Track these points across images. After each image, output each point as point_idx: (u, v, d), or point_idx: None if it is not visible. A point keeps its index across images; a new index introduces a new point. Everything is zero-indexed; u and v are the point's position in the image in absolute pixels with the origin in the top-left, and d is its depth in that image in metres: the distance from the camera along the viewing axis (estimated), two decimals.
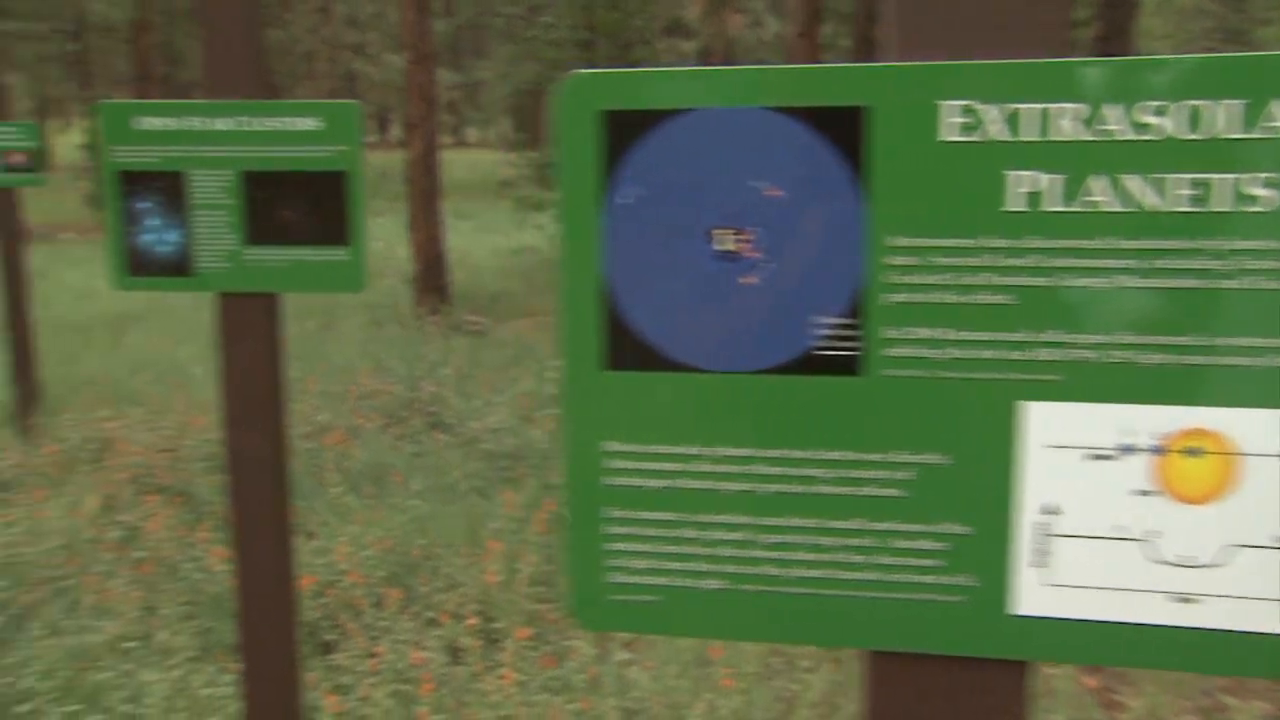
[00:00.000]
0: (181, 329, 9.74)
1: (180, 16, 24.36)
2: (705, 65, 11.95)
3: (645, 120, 0.79)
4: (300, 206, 2.27)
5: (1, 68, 19.24)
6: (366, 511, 4.67)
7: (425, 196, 10.61)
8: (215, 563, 4.24)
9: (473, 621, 3.69)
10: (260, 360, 2.36)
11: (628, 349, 0.82)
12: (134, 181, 2.30)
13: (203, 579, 4.16)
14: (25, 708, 3.32)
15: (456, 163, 26.70)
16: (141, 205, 2.30)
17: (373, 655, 3.63)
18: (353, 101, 2.26)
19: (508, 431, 5.77)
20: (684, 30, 16.80)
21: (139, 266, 2.33)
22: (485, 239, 16.70)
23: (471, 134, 51.59)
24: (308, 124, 2.24)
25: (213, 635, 3.82)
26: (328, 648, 3.77)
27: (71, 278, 13.37)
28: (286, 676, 2.57)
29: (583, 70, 0.81)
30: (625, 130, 0.80)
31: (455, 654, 3.67)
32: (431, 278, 10.65)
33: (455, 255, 12.28)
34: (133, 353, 8.56)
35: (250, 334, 2.35)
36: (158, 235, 2.31)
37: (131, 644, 3.67)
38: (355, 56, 27.89)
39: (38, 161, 6.47)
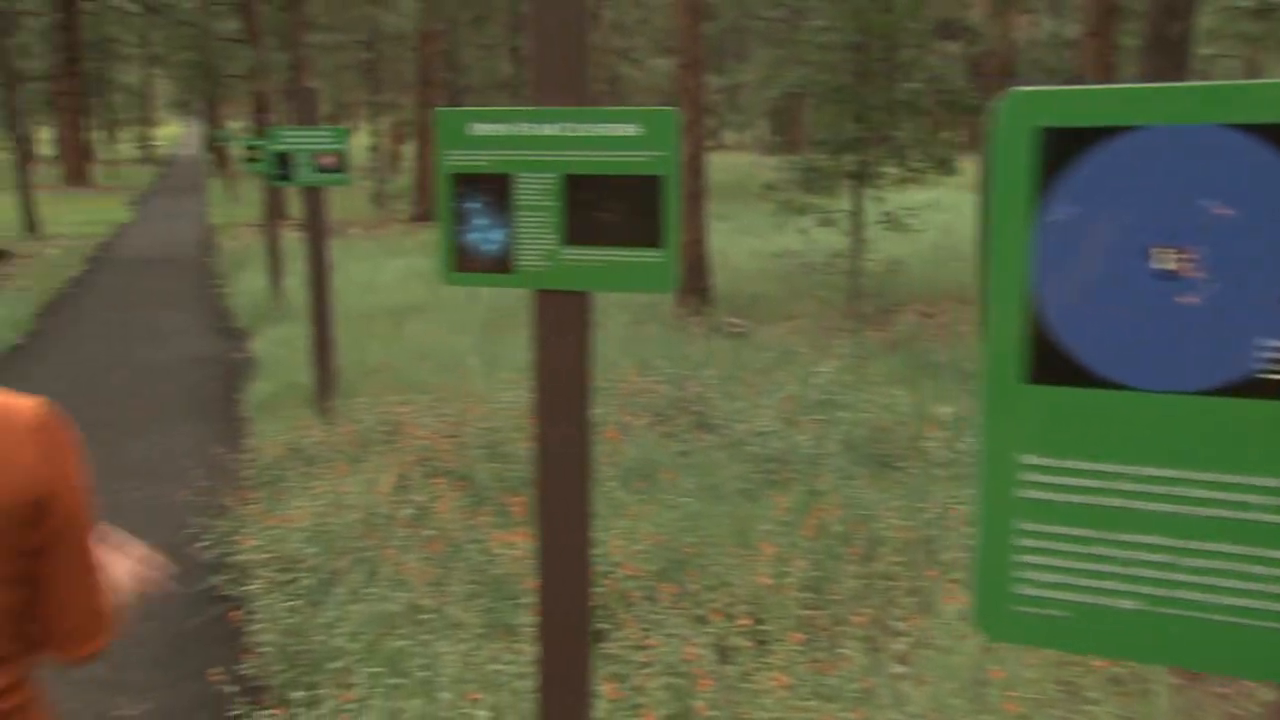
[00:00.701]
0: (455, 321, 10.30)
1: (461, 26, 25.73)
2: (983, 68, 11.56)
3: (1086, 137, 0.78)
4: (616, 209, 2.36)
5: (309, 76, 20.93)
6: (637, 506, 4.80)
7: (691, 199, 10.80)
8: (495, 546, 4.45)
9: (745, 622, 3.72)
10: (572, 355, 2.46)
11: (1052, 363, 0.81)
12: (465, 183, 2.45)
13: (484, 561, 4.37)
14: (336, 664, 3.60)
15: (714, 165, 27.00)
16: (470, 205, 2.45)
17: (643, 647, 3.72)
18: (671, 109, 2.32)
19: (773, 435, 5.79)
20: (954, 31, 16.35)
21: (465, 263, 2.48)
22: (743, 241, 16.81)
23: (728, 137, 52.05)
24: (628, 130, 2.32)
25: (495, 615, 4.01)
26: (599, 636, 3.90)
27: (357, 271, 14.34)
28: (578, 659, 2.67)
29: (1023, 88, 0.81)
30: (1064, 147, 0.79)
31: (724, 653, 3.71)
32: (694, 279, 10.81)
33: (715, 257, 12.42)
34: (413, 342, 9.10)
35: (564, 330, 2.45)
36: (484, 234, 2.46)
37: (425, 616, 3.92)
38: (621, 60, 28.68)
39: (344, 163, 7.00)
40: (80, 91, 26.69)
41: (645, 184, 2.33)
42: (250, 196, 29.64)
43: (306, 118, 7.12)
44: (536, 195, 2.40)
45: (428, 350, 8.60)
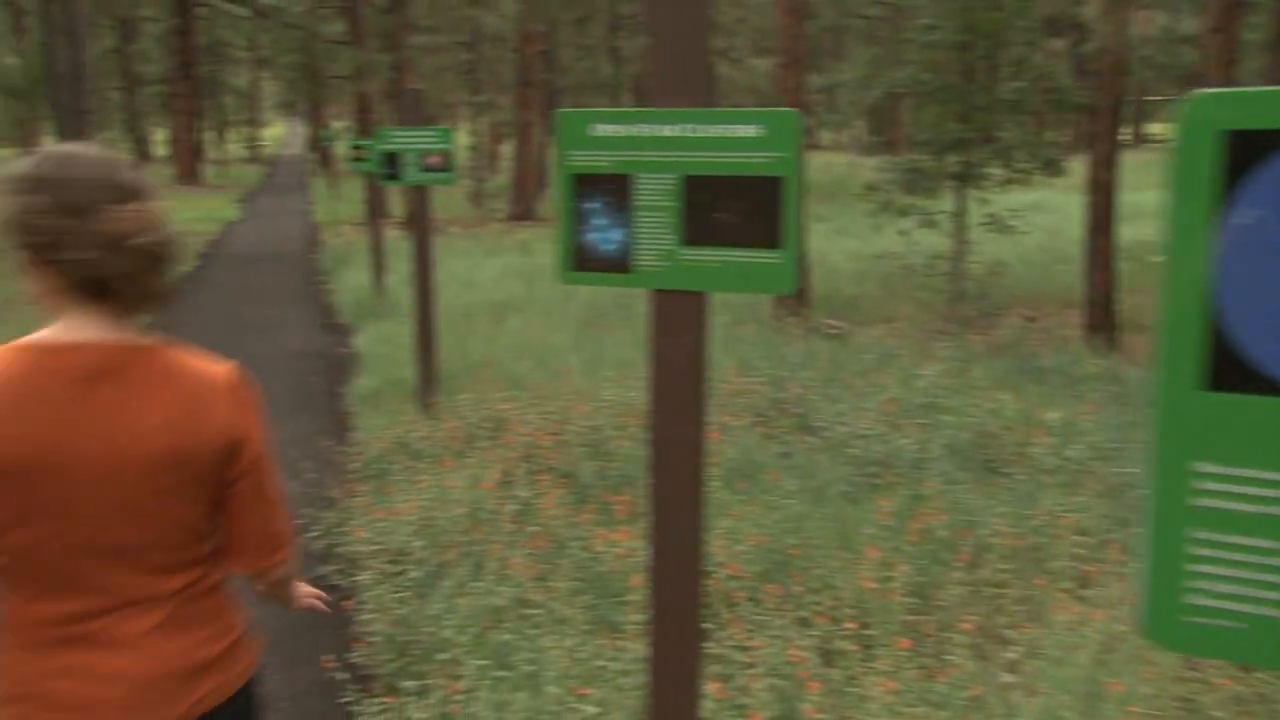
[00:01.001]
0: (552, 319, 10.40)
1: (562, 27, 25.98)
2: (1093, 65, 11.29)
3: (1273, 140, 0.77)
4: (736, 210, 2.36)
5: (411, 77, 21.32)
6: (740, 507, 4.79)
7: None
8: (599, 544, 4.48)
9: (850, 625, 3.70)
10: (688, 355, 2.47)
11: (1233, 370, 0.80)
12: (584, 183, 2.48)
13: (587, 558, 4.41)
14: (445, 655, 3.67)
15: (811, 165, 26.82)
16: (590, 205, 2.48)
17: (747, 648, 3.72)
18: (792, 110, 2.32)
19: (875, 438, 5.73)
20: (1060, 28, 15.98)
21: (583, 262, 2.51)
22: (841, 242, 16.66)
23: (824, 136, 51.66)
24: (749, 131, 2.32)
25: (598, 611, 4.04)
26: (702, 635, 3.90)
27: (456, 267, 14.56)
28: (688, 657, 2.69)
29: (1207, 90, 0.80)
30: (1249, 150, 0.77)
31: (827, 656, 3.69)
32: None
33: (813, 258, 12.33)
34: (513, 339, 9.20)
35: (681, 329, 2.47)
36: (603, 234, 2.48)
37: (529, 611, 3.97)
38: (719, 60, 28.66)
39: (450, 162, 7.11)
40: (194, 94, 27.55)
41: (765, 185, 2.33)
42: (352, 195, 30.28)
43: (413, 118, 7.26)
44: (656, 195, 2.42)
45: (527, 347, 8.69)
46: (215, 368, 1.81)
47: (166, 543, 1.76)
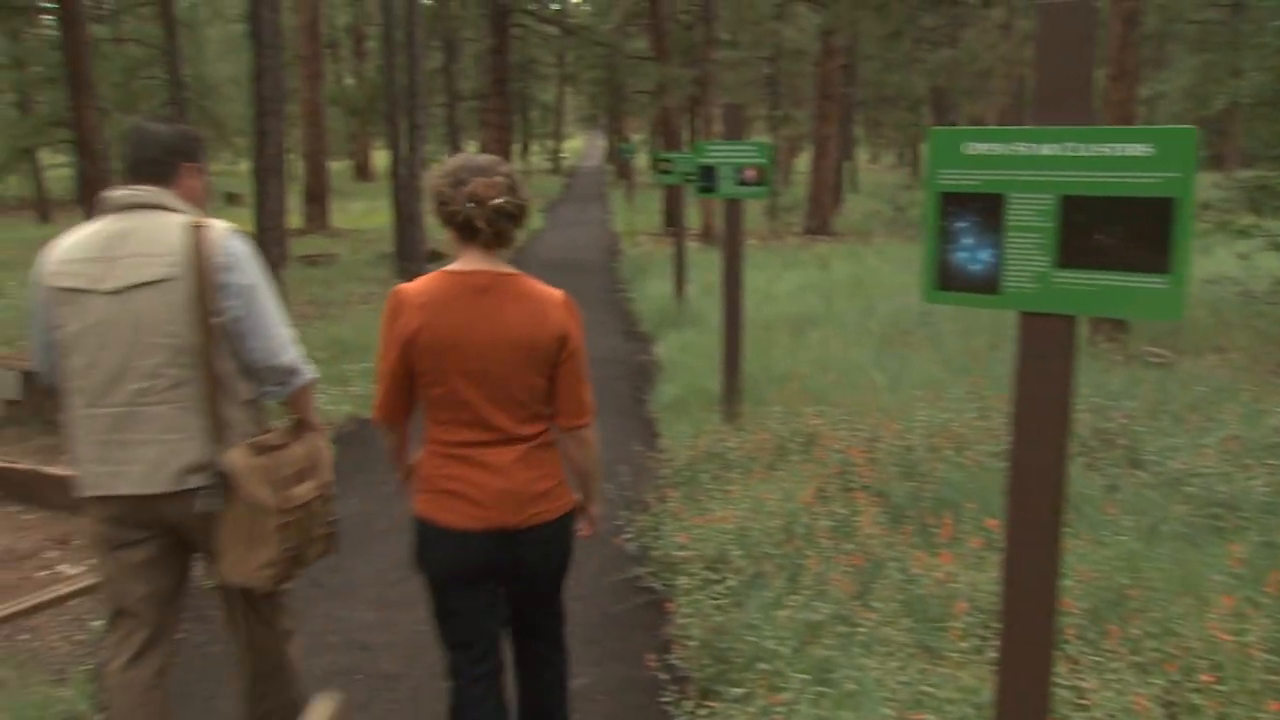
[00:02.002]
0: (852, 335, 10.28)
1: (868, 40, 25.71)
2: None
3: None
4: (1118, 232, 2.26)
5: (713, 92, 21.73)
6: (1066, 539, 4.56)
7: None
8: (916, 567, 4.38)
9: (1205, 678, 3.44)
10: (1056, 381, 2.39)
11: None
12: (954, 202, 2.44)
13: (904, 580, 4.32)
14: (765, 666, 3.70)
15: None
16: (959, 225, 2.44)
17: (1078, 688, 3.53)
18: (1189, 128, 2.19)
19: (1217, 477, 5.31)
20: None
21: (948, 281, 2.47)
22: None
23: None
24: (1139, 150, 2.21)
25: (916, 635, 3.96)
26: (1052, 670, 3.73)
27: (755, 280, 14.64)
28: (1037, 692, 2.60)
29: None
30: None
31: (1170, 707, 3.45)
32: None
33: None
34: (812, 353, 9.15)
35: (1050, 355, 2.38)
36: (970, 254, 2.43)
37: (850, 629, 3.93)
38: (1033, 73, 27.49)
39: (765, 176, 7.17)
40: (505, 109, 29.22)
41: (1155, 206, 2.21)
42: (648, 206, 31.16)
43: (733, 132, 7.38)
44: (1030, 216, 2.35)
45: (828, 362, 8.62)
46: (553, 290, 2.82)
47: (525, 400, 2.75)
